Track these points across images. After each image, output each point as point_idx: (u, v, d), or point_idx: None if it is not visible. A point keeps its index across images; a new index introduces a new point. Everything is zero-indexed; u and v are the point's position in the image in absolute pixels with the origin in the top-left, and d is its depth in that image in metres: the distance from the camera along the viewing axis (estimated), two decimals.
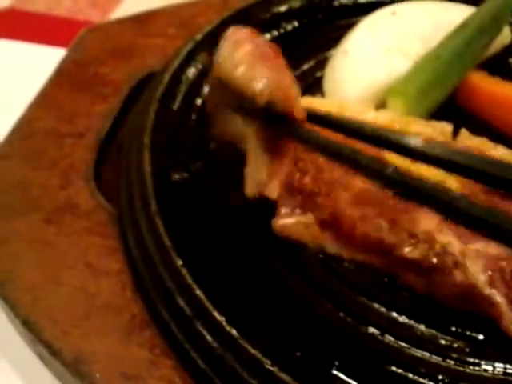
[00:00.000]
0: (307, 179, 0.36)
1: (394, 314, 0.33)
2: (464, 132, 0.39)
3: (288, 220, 0.35)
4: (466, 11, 0.47)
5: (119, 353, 0.31)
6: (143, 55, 0.50)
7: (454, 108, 0.43)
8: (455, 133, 0.39)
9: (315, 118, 0.37)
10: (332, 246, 0.35)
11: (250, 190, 0.36)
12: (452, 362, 0.31)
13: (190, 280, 0.31)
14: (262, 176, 0.36)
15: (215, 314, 0.30)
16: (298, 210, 0.35)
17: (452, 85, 0.43)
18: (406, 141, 0.36)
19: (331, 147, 0.36)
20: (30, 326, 0.32)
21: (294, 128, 0.36)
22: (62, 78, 0.48)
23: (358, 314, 0.32)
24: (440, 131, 0.39)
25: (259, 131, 0.37)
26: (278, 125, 0.36)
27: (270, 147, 0.37)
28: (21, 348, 0.35)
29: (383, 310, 0.33)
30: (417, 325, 0.32)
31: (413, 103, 0.41)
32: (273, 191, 0.36)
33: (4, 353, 0.36)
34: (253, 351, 0.29)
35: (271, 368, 0.29)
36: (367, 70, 0.43)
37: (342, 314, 0.32)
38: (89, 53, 0.50)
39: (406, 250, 0.33)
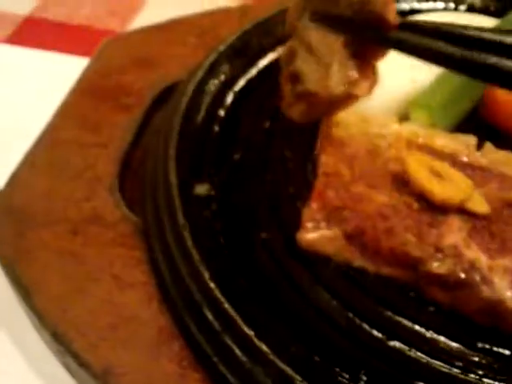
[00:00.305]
0: (332, 193, 0.36)
1: (421, 329, 0.33)
2: (488, 145, 0.39)
3: (313, 234, 0.35)
4: (488, 23, 0.47)
5: (147, 365, 0.32)
6: (165, 64, 0.50)
7: (478, 121, 0.43)
8: (479, 146, 0.39)
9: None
10: (357, 260, 0.35)
11: (336, 85, 0.35)
12: (479, 378, 0.31)
13: (218, 293, 0.32)
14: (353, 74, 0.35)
15: (244, 328, 0.30)
16: (323, 224, 0.35)
17: (476, 97, 0.43)
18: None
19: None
20: (58, 338, 0.32)
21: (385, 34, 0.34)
22: (84, 87, 0.48)
23: (385, 328, 0.32)
24: (464, 144, 0.39)
25: (347, 40, 0.34)
26: (368, 33, 0.34)
27: (358, 53, 0.35)
28: (47, 357, 0.35)
29: (410, 324, 0.33)
30: (444, 340, 0.32)
31: (437, 115, 0.41)
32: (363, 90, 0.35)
33: (30, 362, 0.36)
34: (282, 366, 0.29)
35: (301, 383, 0.29)
36: (390, 81, 0.43)
37: (368, 328, 0.32)
38: (111, 62, 0.50)
39: (434, 264, 0.33)
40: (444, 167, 0.37)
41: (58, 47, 0.59)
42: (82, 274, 0.36)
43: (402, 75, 0.43)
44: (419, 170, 0.36)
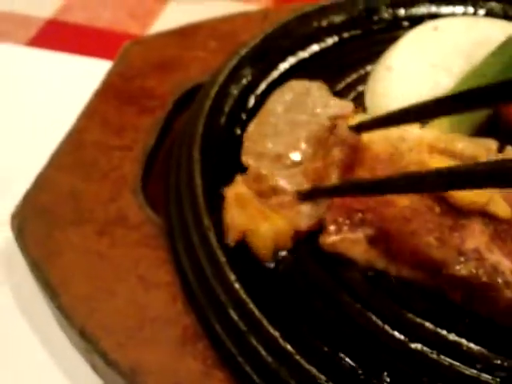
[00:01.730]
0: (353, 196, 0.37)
1: (444, 332, 0.33)
2: (509, 149, 0.39)
3: (336, 237, 0.35)
4: (508, 27, 0.47)
5: (173, 364, 0.32)
6: (186, 68, 0.51)
7: (498, 124, 0.43)
8: (500, 150, 0.39)
9: None
10: (380, 263, 0.35)
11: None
12: (501, 381, 0.31)
13: (243, 295, 0.32)
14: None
15: (270, 328, 0.31)
16: (345, 227, 0.36)
17: None
18: None
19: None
20: (86, 337, 0.33)
21: None
22: (107, 90, 0.49)
23: (407, 330, 0.33)
24: (485, 148, 0.40)
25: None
26: None
27: None
28: (73, 356, 0.36)
29: (432, 327, 0.33)
30: (466, 342, 0.32)
31: (457, 120, 0.42)
32: None
33: (56, 360, 0.37)
34: (308, 367, 0.30)
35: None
36: (411, 85, 0.44)
37: (390, 331, 0.33)
38: (133, 66, 0.51)
39: (456, 267, 0.33)
40: None
41: (79, 50, 0.60)
42: (109, 275, 0.36)
43: (423, 78, 0.44)
44: None
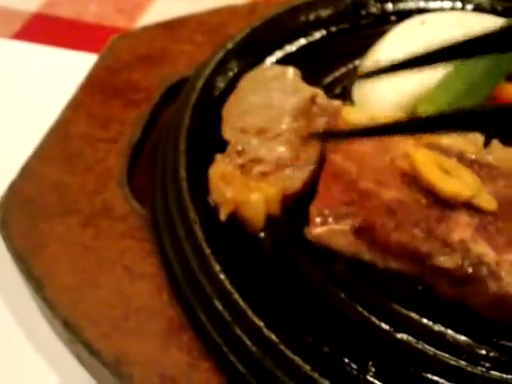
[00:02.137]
0: (339, 189, 0.37)
1: (429, 322, 0.33)
2: (495, 143, 0.39)
3: (321, 228, 0.35)
4: (495, 22, 0.47)
5: (158, 355, 0.32)
6: (173, 61, 0.50)
7: None
8: (486, 144, 0.39)
9: None
10: (366, 254, 0.35)
11: None
12: (486, 371, 0.31)
13: (228, 285, 0.32)
14: None
15: (254, 318, 0.31)
16: (330, 219, 0.36)
17: (484, 95, 0.43)
18: None
19: None
20: (70, 327, 0.33)
21: None
22: (93, 83, 0.48)
23: (393, 321, 0.33)
24: (471, 142, 0.40)
25: None
26: None
27: None
28: (58, 347, 0.35)
29: (417, 317, 0.33)
30: (451, 333, 0.33)
31: None
32: None
33: (41, 352, 0.36)
34: (292, 356, 0.29)
35: (310, 373, 0.29)
36: (398, 79, 0.44)
37: (376, 321, 0.33)
38: (119, 59, 0.50)
39: (441, 259, 0.33)
40: (451, 164, 0.37)
41: (65, 44, 0.60)
42: (94, 266, 0.36)
43: (410, 73, 0.44)
44: (427, 165, 0.37)
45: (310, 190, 0.38)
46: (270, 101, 0.41)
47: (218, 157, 0.38)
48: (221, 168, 0.36)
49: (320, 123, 0.40)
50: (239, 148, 0.37)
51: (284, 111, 0.40)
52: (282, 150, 0.38)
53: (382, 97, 0.44)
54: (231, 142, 0.39)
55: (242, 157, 0.37)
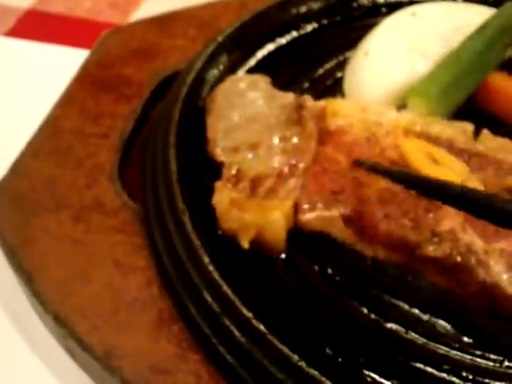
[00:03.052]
0: (329, 178, 0.37)
1: (418, 312, 0.33)
2: (485, 132, 0.39)
3: (310, 214, 0.35)
4: (485, 12, 0.47)
5: (148, 347, 0.32)
6: (165, 56, 0.50)
7: (474, 109, 0.43)
8: (477, 133, 0.39)
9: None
10: (355, 244, 0.35)
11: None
12: (476, 359, 0.31)
13: (217, 276, 0.32)
14: None
15: (243, 310, 0.31)
16: (319, 205, 0.36)
17: (473, 85, 0.43)
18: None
19: None
20: (61, 321, 0.33)
21: None
22: (85, 78, 0.48)
23: (382, 311, 0.33)
24: (461, 131, 0.40)
25: None
26: None
27: None
28: (49, 342, 0.36)
29: (407, 307, 0.33)
30: (441, 322, 0.33)
31: (434, 103, 0.42)
32: None
33: (33, 346, 0.36)
34: (280, 346, 0.30)
35: (299, 363, 0.29)
36: (388, 70, 0.44)
37: (366, 312, 0.33)
38: (111, 54, 0.51)
39: (430, 248, 0.34)
40: (440, 153, 0.37)
41: (59, 40, 0.60)
42: (84, 260, 0.36)
43: (399, 63, 0.44)
44: (416, 155, 0.37)
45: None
46: (252, 113, 0.40)
47: (219, 184, 0.36)
48: (226, 196, 0.35)
49: (312, 126, 0.39)
50: (235, 169, 0.36)
51: (270, 121, 0.39)
52: (279, 161, 0.37)
53: (372, 88, 0.44)
54: (225, 165, 0.37)
55: (242, 179, 0.36)
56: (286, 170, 0.36)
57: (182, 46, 0.51)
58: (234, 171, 0.36)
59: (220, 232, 0.35)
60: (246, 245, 0.34)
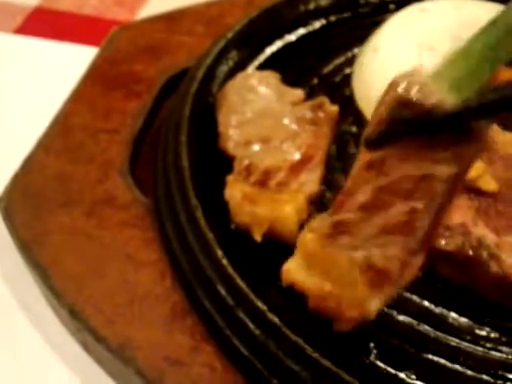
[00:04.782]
0: None
1: (430, 305, 0.33)
2: (496, 128, 0.40)
3: None
4: (494, 8, 0.47)
5: (162, 339, 0.32)
6: (173, 53, 0.51)
7: None
8: None
9: None
10: None
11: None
12: (488, 352, 0.32)
13: (231, 270, 0.32)
14: None
15: (257, 303, 0.31)
16: None
17: (483, 81, 0.43)
18: None
19: None
20: (76, 315, 0.33)
21: None
22: (95, 75, 0.49)
23: (394, 304, 0.33)
24: None
25: None
26: None
27: None
28: (64, 337, 0.36)
29: (418, 300, 0.34)
30: (452, 315, 0.33)
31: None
32: None
33: (48, 341, 0.37)
34: (295, 338, 0.30)
35: (313, 355, 0.29)
36: (397, 66, 0.44)
37: None
38: (120, 51, 0.51)
39: (442, 242, 0.34)
40: None
41: (67, 38, 0.60)
42: (97, 254, 0.36)
43: (408, 59, 0.44)
44: None
45: None
46: (263, 108, 0.40)
47: (230, 178, 0.36)
48: (239, 189, 0.35)
49: (327, 128, 0.39)
50: (246, 163, 0.36)
51: (282, 117, 0.39)
52: (291, 154, 0.37)
53: (381, 84, 0.44)
54: (237, 158, 0.37)
55: (253, 172, 0.35)
56: (298, 163, 0.37)
57: (190, 43, 0.51)
58: (245, 164, 0.37)
59: (233, 226, 0.35)
60: (258, 238, 0.34)
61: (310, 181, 0.36)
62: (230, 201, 0.35)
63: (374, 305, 0.27)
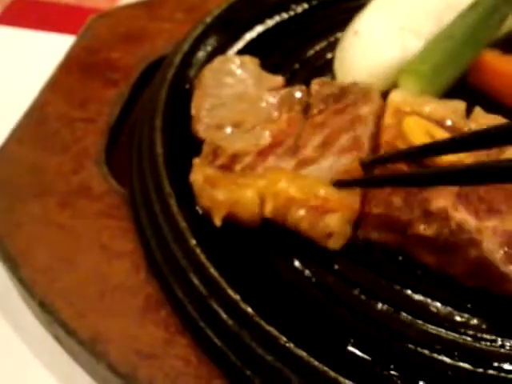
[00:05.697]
0: None
1: (409, 292, 0.32)
2: (478, 110, 0.39)
3: None
4: None
5: (134, 332, 0.32)
6: (152, 40, 0.50)
7: (466, 87, 0.43)
8: (468, 111, 0.39)
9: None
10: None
11: None
12: (468, 339, 0.31)
13: (203, 259, 0.31)
14: None
15: (230, 292, 0.30)
16: None
17: (465, 64, 0.42)
18: None
19: None
20: (46, 307, 0.32)
21: None
22: (71, 63, 0.47)
23: (372, 291, 0.32)
24: (453, 109, 0.39)
25: None
26: None
27: None
28: (36, 328, 0.35)
29: (398, 287, 0.33)
30: (432, 302, 0.32)
31: (426, 82, 0.41)
32: None
33: (20, 333, 0.36)
34: (268, 328, 0.29)
35: (287, 344, 0.29)
36: (378, 49, 0.43)
37: (356, 292, 0.32)
38: (98, 38, 0.50)
39: (421, 227, 0.33)
40: (439, 132, 0.37)
41: (46, 27, 0.59)
42: (70, 245, 0.35)
43: (390, 42, 0.43)
44: (415, 131, 0.36)
45: None
46: (239, 93, 0.39)
47: (197, 161, 0.35)
48: (202, 172, 0.34)
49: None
50: (214, 146, 0.35)
51: (257, 102, 0.38)
52: (262, 139, 0.36)
53: (363, 68, 0.43)
54: (206, 141, 0.36)
55: (220, 156, 0.34)
56: (266, 148, 0.36)
57: (169, 30, 0.50)
58: (212, 148, 0.36)
59: (200, 211, 0.34)
60: (218, 222, 0.33)
61: (278, 166, 0.35)
62: (193, 184, 0.34)
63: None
